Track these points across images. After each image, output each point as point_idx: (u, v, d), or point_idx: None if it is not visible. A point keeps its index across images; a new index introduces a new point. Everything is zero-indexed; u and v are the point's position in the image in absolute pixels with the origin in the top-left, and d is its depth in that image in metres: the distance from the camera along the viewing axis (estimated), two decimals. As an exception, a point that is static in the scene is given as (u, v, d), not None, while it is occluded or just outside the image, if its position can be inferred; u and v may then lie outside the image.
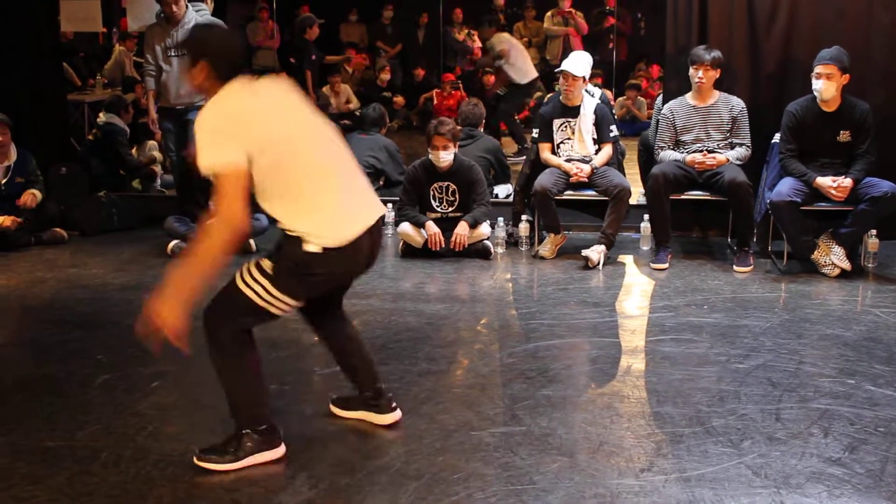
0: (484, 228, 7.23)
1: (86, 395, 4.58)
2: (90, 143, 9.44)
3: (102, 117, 9.42)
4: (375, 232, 3.72)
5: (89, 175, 8.85)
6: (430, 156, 7.14)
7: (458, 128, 7.47)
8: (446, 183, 7.23)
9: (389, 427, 4.12)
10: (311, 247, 3.54)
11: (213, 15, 8.56)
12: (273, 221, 3.70)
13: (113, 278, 6.73)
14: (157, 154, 9.68)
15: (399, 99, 14.09)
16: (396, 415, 4.16)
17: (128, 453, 3.91)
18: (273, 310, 3.70)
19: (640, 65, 14.84)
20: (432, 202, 7.28)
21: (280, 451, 3.85)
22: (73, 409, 4.38)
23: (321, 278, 3.63)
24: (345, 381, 4.23)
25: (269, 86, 3.60)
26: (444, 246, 7.11)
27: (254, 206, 7.53)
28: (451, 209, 7.28)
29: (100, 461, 3.84)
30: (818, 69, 6.57)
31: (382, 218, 3.80)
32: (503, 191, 8.37)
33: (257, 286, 3.68)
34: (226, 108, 3.46)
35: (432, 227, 7.11)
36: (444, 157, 7.08)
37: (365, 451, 3.91)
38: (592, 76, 7.78)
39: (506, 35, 12.45)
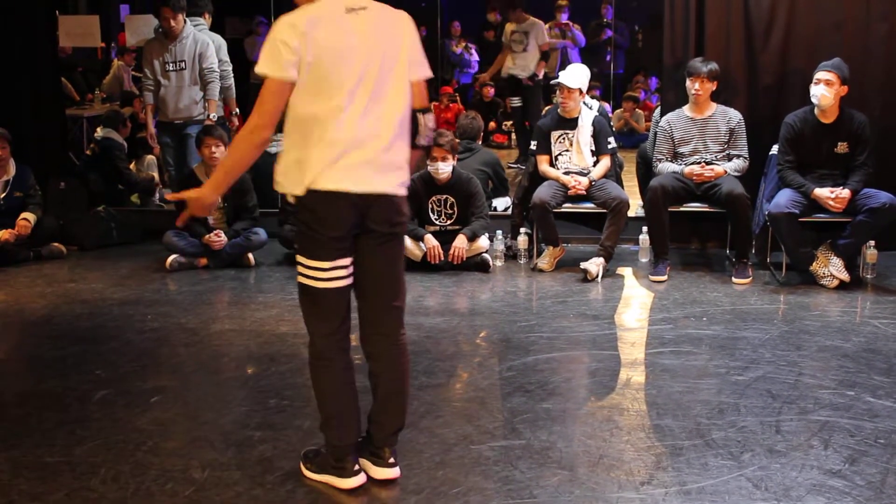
0: (482, 241, 7.24)
1: (85, 410, 4.57)
2: (88, 158, 9.46)
3: (100, 132, 9.44)
4: (361, 204, 3.49)
5: (88, 190, 8.85)
6: (429, 167, 7.14)
7: (457, 140, 7.48)
8: (445, 196, 7.24)
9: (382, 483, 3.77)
10: (290, 195, 3.57)
11: (210, 29, 8.59)
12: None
13: (112, 293, 6.73)
14: (154, 174, 9.69)
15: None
16: (393, 472, 3.77)
17: (127, 469, 3.90)
18: (313, 283, 3.55)
19: (638, 77, 14.87)
20: (431, 215, 7.29)
21: (348, 482, 3.68)
22: (72, 425, 4.37)
23: (314, 229, 3.50)
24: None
25: (338, 14, 3.47)
26: (442, 259, 7.12)
27: (252, 221, 7.56)
28: (449, 222, 7.28)
29: (99, 477, 3.83)
30: (819, 75, 6.58)
31: (386, 195, 3.55)
32: (501, 203, 8.38)
33: (298, 266, 3.61)
34: (293, 19, 3.40)
35: (431, 241, 7.12)
36: (443, 168, 7.09)
37: (364, 465, 3.89)
38: (589, 88, 7.79)
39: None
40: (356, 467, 3.71)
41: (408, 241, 7.16)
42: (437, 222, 7.28)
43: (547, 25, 13.77)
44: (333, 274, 3.53)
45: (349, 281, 3.59)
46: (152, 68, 8.11)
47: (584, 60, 11.92)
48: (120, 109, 10.47)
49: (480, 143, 8.48)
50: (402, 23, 3.64)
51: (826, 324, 5.83)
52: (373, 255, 3.60)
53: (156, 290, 6.82)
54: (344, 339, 3.67)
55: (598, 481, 3.74)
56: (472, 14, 14.83)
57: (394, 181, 3.55)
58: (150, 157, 9.80)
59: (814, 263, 6.63)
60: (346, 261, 3.56)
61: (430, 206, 7.28)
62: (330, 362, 3.66)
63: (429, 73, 3.68)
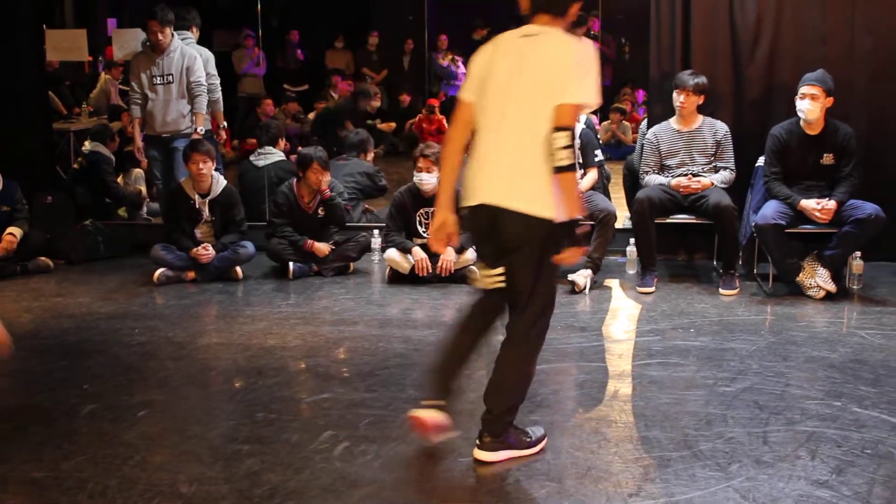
0: (470, 254, 7.24)
1: (72, 424, 4.55)
2: (76, 172, 9.45)
3: (88, 146, 9.43)
4: (483, 213, 3.96)
5: (75, 203, 8.83)
6: (414, 179, 7.15)
7: (443, 154, 7.49)
8: (432, 209, 7.24)
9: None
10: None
11: (198, 43, 8.58)
12: None
13: (99, 307, 6.71)
14: (142, 188, 9.67)
15: (389, 125, 14.11)
16: (478, 453, 4.08)
17: (114, 483, 3.89)
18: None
19: (626, 89, 14.91)
20: (419, 228, 7.29)
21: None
22: (60, 439, 4.35)
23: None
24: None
25: (513, 39, 3.91)
26: (430, 272, 7.12)
27: (240, 235, 7.55)
28: (437, 235, 7.27)
29: (86, 492, 3.82)
30: (803, 90, 6.61)
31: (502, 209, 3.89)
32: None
33: None
34: (482, 47, 4.00)
35: (419, 253, 7.12)
36: (428, 179, 7.10)
37: (352, 478, 3.90)
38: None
39: None
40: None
41: (396, 254, 7.19)
42: (424, 235, 7.28)
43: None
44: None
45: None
46: (139, 82, 8.10)
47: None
48: (108, 123, 10.46)
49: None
50: (559, 48, 3.84)
51: (813, 334, 5.85)
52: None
53: (143, 304, 6.81)
54: None
55: (585, 493, 3.74)
56: (459, 27, 14.85)
57: (522, 197, 3.81)
58: (138, 171, 9.78)
59: (800, 274, 6.65)
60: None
61: (417, 218, 7.28)
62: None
63: (572, 99, 3.77)
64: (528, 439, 4.09)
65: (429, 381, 4.16)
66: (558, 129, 3.71)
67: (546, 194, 3.76)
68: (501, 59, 3.87)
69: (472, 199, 3.97)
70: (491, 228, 3.91)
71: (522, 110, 3.81)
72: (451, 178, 4.14)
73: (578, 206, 3.82)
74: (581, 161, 7.32)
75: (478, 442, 4.05)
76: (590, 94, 3.78)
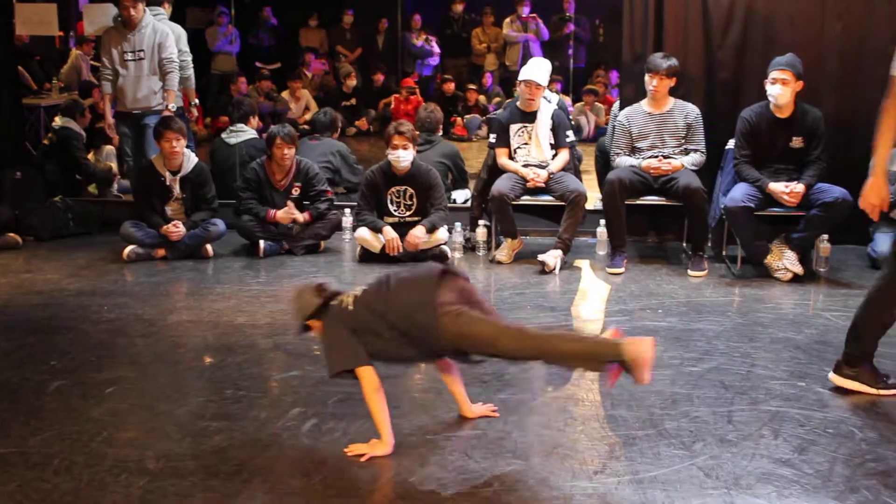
0: (441, 233, 7.26)
1: (39, 401, 4.54)
2: (46, 148, 9.37)
3: (58, 121, 9.35)
4: None
5: (45, 179, 8.77)
6: (390, 156, 7.14)
7: (417, 132, 7.49)
8: (404, 187, 7.25)
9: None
10: None
11: (171, 20, 8.53)
12: None
13: (68, 283, 6.68)
14: (113, 164, 9.61)
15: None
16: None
17: (81, 459, 3.89)
18: None
19: (599, 71, 14.92)
20: (390, 206, 7.29)
21: None
22: (26, 415, 4.34)
23: None
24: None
25: None
26: (401, 251, 7.13)
27: (211, 212, 7.53)
28: (408, 213, 7.29)
29: (52, 467, 3.81)
30: (774, 74, 6.65)
31: None
32: (461, 196, 8.40)
33: None
34: None
35: (390, 232, 7.13)
36: (404, 156, 7.09)
37: (320, 455, 3.91)
38: (550, 82, 7.83)
39: None
40: None
41: (366, 233, 7.19)
42: (395, 213, 7.29)
43: (509, 19, 13.83)
44: None
45: None
46: (110, 58, 8.03)
47: (546, 54, 11.97)
48: (79, 99, 10.37)
49: (440, 135, 8.49)
50: None
51: (779, 316, 5.91)
52: None
53: (113, 281, 6.78)
54: None
55: (551, 470, 3.77)
56: (433, 6, 14.83)
57: None
58: (109, 148, 9.71)
59: (768, 257, 6.71)
60: None
61: (389, 197, 7.28)
62: None
63: None
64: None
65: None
66: None
67: None
68: None
69: None
70: None
71: None
72: (888, 147, 4.30)
73: None
74: (553, 142, 7.35)
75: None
76: None
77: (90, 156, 9.65)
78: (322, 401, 4.48)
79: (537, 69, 7.30)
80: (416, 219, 7.26)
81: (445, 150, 8.31)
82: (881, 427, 4.20)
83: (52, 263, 7.28)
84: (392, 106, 13.64)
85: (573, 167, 7.51)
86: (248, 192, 7.51)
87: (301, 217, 7.48)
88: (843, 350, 4.63)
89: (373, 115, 14.05)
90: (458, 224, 7.50)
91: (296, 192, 7.54)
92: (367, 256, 7.27)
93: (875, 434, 4.12)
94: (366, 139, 13.13)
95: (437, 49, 14.61)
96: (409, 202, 7.28)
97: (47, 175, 8.89)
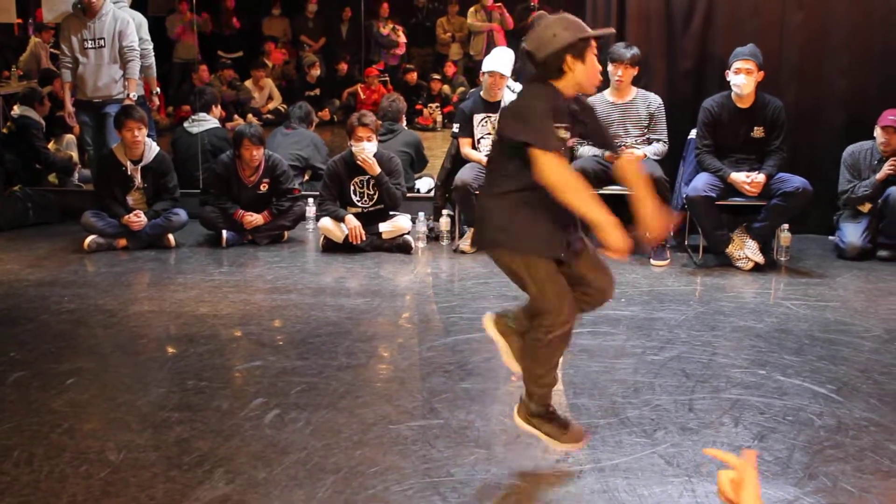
0: (405, 223, 7.25)
1: (-2, 392, 4.51)
2: (4, 137, 9.23)
3: (17, 110, 9.24)
4: None
5: (4, 169, 8.66)
6: (353, 148, 7.12)
7: (379, 122, 7.48)
8: (367, 177, 7.23)
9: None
10: None
11: (131, 7, 8.45)
12: None
13: (28, 274, 6.61)
14: (73, 153, 9.50)
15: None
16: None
17: (41, 451, 3.85)
18: None
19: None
20: (353, 196, 7.27)
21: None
22: (-15, 407, 4.31)
23: None
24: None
25: None
26: (364, 240, 7.12)
27: (172, 202, 7.46)
28: (371, 203, 7.27)
29: (12, 459, 3.78)
30: (737, 65, 6.69)
31: None
32: (424, 185, 8.39)
33: None
34: None
35: (352, 221, 7.11)
36: (368, 147, 7.08)
37: (282, 445, 3.91)
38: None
39: None
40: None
41: (329, 223, 7.17)
42: (359, 204, 7.27)
43: (474, 8, 13.80)
44: None
45: None
46: (70, 45, 7.95)
47: (510, 44, 11.96)
48: (38, 87, 10.24)
49: (404, 124, 8.46)
50: None
51: (740, 305, 5.96)
52: None
53: (73, 272, 6.72)
54: None
55: (514, 459, 3.79)
56: (397, -3, 14.79)
57: None
58: (70, 137, 9.61)
59: (730, 246, 6.76)
60: None
61: (352, 187, 7.26)
62: None
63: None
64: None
65: None
66: None
67: None
68: None
69: None
70: None
71: None
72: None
73: None
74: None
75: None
76: None
77: (51, 145, 9.54)
78: (284, 391, 4.46)
79: (501, 60, 7.30)
80: (378, 208, 7.26)
81: (408, 140, 8.28)
82: (840, 415, 4.25)
83: (12, 254, 7.20)
84: (361, 96, 13.60)
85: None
86: (216, 186, 7.46)
87: (263, 220, 7.42)
88: None
89: (337, 104, 13.98)
90: (421, 213, 7.49)
91: (264, 188, 7.48)
92: (330, 246, 7.25)
93: (834, 421, 4.17)
94: (329, 128, 13.07)
95: (403, 39, 14.56)
96: (372, 192, 7.26)
97: (6, 164, 8.77)
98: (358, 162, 7.09)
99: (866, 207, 6.93)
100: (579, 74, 3.48)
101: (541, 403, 3.65)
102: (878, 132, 6.93)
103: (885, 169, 6.86)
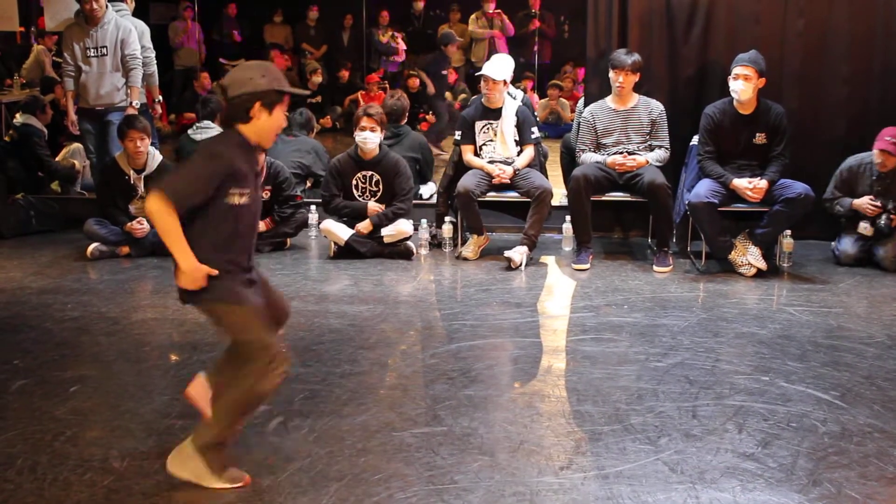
0: (407, 228, 7.25)
1: (2, 400, 4.49)
2: (7, 145, 9.25)
3: (19, 118, 9.25)
4: None
5: (6, 177, 8.66)
6: (357, 138, 7.12)
7: (384, 115, 7.44)
8: (370, 173, 7.23)
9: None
10: None
11: (134, 15, 8.46)
12: None
13: (31, 282, 6.62)
14: (76, 161, 9.49)
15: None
16: None
17: (45, 459, 3.85)
18: None
19: (567, 67, 14.97)
20: (355, 192, 7.27)
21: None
22: (-11, 415, 4.31)
23: None
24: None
25: None
26: (374, 227, 7.21)
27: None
28: (373, 200, 7.27)
29: (15, 468, 3.78)
30: (736, 70, 6.70)
31: None
32: (427, 191, 8.40)
33: None
34: None
35: (375, 206, 7.19)
36: (372, 138, 7.08)
37: (286, 452, 3.90)
38: (524, 78, 7.83)
39: None
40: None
41: (331, 224, 7.21)
42: (361, 199, 7.27)
43: (474, 15, 13.83)
44: None
45: None
46: (73, 53, 7.96)
47: (511, 51, 11.99)
48: (40, 95, 10.26)
49: (405, 123, 8.37)
50: None
51: (743, 311, 5.96)
52: None
53: (76, 279, 6.73)
54: None
55: (518, 466, 3.79)
56: (399, 2, 14.82)
57: None
58: (77, 145, 9.60)
59: (732, 252, 6.76)
60: None
61: (354, 182, 7.26)
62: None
63: None
64: None
65: None
66: None
67: None
68: None
69: None
70: None
71: None
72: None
73: None
74: (518, 138, 7.36)
75: None
76: None
77: (62, 153, 9.54)
78: (288, 398, 4.46)
79: (496, 66, 7.31)
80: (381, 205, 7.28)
81: (414, 143, 8.20)
82: (844, 421, 4.25)
83: (15, 261, 7.21)
84: (363, 103, 13.61)
85: (539, 164, 7.52)
86: None
87: (265, 227, 7.40)
88: None
89: (339, 111, 14.01)
90: (423, 220, 7.50)
91: (266, 195, 7.47)
92: (340, 253, 7.22)
93: (838, 428, 4.17)
94: (331, 135, 13.09)
95: (402, 46, 14.60)
96: (375, 188, 7.26)
97: (9, 172, 8.77)
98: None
99: (870, 231, 6.87)
100: (263, 124, 3.60)
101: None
102: (875, 152, 6.85)
103: (864, 204, 6.85)
